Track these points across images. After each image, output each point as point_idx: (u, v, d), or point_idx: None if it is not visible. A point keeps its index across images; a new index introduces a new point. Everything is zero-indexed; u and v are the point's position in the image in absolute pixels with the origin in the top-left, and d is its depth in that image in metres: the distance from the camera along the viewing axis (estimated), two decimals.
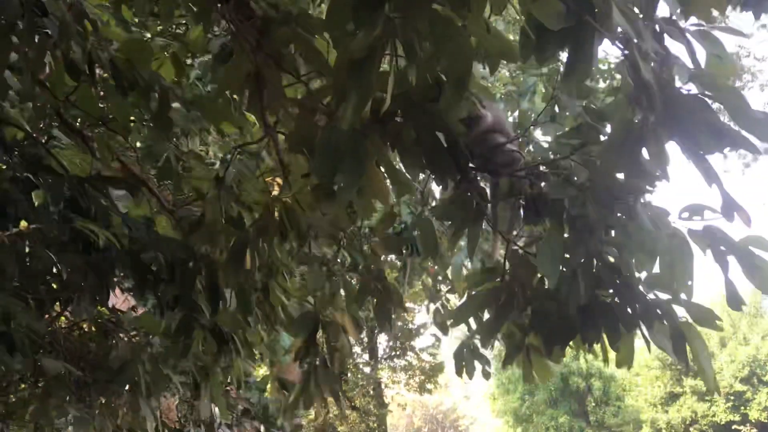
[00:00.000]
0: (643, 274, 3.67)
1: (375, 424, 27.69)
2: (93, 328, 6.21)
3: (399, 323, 26.48)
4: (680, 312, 3.71)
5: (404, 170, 3.70)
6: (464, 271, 9.36)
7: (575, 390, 43.36)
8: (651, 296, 3.70)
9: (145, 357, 5.62)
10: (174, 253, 4.74)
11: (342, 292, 4.74)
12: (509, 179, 3.90)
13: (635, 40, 2.89)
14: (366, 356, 28.69)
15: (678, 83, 2.97)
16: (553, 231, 3.68)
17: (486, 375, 7.81)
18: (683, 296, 3.67)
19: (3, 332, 4.64)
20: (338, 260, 4.97)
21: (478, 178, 3.94)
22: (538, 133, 6.25)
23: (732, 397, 42.25)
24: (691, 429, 43.06)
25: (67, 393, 5.52)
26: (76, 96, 4.81)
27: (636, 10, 3.04)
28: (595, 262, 3.66)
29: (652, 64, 2.91)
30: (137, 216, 5.05)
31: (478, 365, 6.22)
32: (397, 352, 29.72)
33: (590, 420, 44.14)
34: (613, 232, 3.68)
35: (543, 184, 3.79)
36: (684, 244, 3.50)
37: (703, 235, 3.49)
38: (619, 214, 3.57)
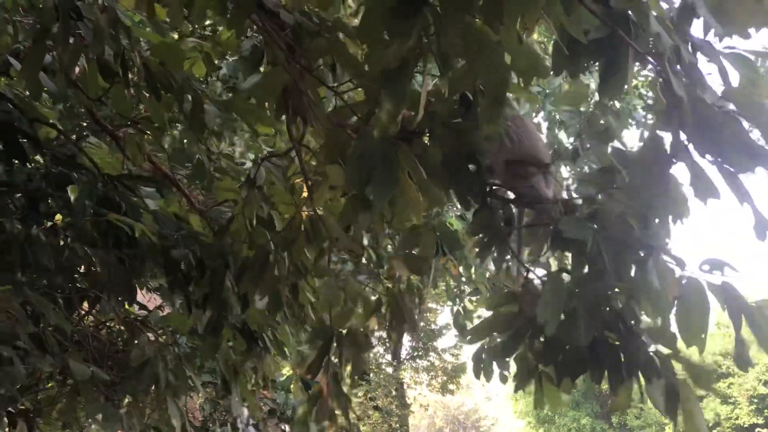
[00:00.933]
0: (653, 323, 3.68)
1: (397, 425, 27.72)
2: (121, 327, 6.24)
3: (422, 324, 26.51)
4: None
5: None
6: (487, 275, 9.39)
7: (597, 392, 43.23)
8: (652, 348, 3.71)
9: (168, 356, 5.64)
10: (204, 251, 4.76)
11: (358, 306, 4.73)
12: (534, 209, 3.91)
13: (669, 56, 2.89)
14: (389, 356, 28.71)
15: (710, 101, 2.96)
16: (555, 276, 3.68)
17: (503, 379, 7.82)
18: (687, 351, 3.67)
19: (33, 333, 4.69)
20: (358, 274, 4.96)
21: (502, 202, 3.94)
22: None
23: (756, 400, 42.08)
24: (715, 431, 42.89)
25: (94, 392, 5.55)
26: (109, 97, 4.84)
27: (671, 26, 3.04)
28: (602, 306, 3.66)
29: (685, 80, 2.91)
30: (168, 214, 5.10)
31: (496, 368, 6.22)
32: (420, 353, 29.74)
33: (612, 422, 44.05)
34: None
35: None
36: (702, 296, 3.43)
37: (721, 290, 3.42)
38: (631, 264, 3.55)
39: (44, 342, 4.86)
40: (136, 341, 5.84)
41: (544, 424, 45.74)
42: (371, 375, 23.15)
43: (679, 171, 3.22)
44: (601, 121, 4.05)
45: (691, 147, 2.99)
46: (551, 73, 3.34)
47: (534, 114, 9.55)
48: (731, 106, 2.93)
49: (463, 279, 10.34)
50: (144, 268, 4.86)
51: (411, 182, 3.47)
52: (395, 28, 2.96)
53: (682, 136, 2.95)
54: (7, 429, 5.72)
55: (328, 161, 3.76)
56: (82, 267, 5.31)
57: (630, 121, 8.56)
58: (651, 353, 3.68)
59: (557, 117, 8.63)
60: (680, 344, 3.58)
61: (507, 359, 5.15)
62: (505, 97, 3.32)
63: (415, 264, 4.45)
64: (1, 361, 4.47)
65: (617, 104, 7.82)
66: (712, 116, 2.91)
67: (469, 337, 4.12)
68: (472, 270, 9.30)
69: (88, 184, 4.42)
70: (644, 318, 3.77)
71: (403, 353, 29.42)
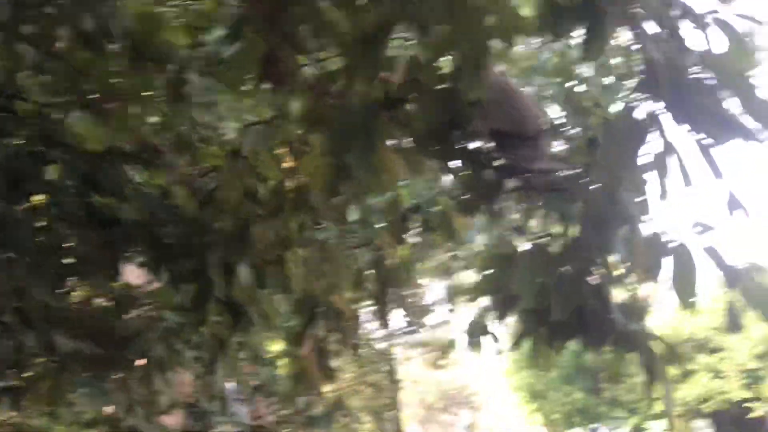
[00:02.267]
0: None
1: (388, 400, 27.72)
2: (108, 303, 6.18)
3: (412, 300, 26.49)
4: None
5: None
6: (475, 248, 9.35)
7: (589, 367, 43.32)
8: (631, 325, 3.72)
9: (157, 330, 5.59)
10: (189, 227, 4.70)
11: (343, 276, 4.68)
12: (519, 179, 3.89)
13: (648, 21, 2.84)
14: (380, 332, 28.68)
15: (689, 68, 2.92)
16: (533, 248, 3.67)
17: (497, 351, 7.78)
18: (649, 327, 3.78)
19: (17, 307, 4.63)
20: (344, 243, 4.89)
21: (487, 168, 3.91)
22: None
23: (746, 375, 42.20)
24: (704, 406, 43.04)
25: (81, 368, 5.50)
26: (92, 69, 4.77)
27: None
28: (583, 278, 3.67)
29: (664, 47, 2.86)
30: (154, 187, 5.04)
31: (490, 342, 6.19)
32: (411, 329, 29.70)
33: (604, 396, 44.16)
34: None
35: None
36: (689, 260, 3.45)
37: (711, 254, 3.47)
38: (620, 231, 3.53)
39: (28, 317, 4.81)
40: (123, 316, 5.80)
41: (537, 399, 45.85)
42: (362, 350, 23.11)
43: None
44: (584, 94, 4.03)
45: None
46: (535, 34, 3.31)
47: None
48: (711, 75, 2.89)
49: (452, 254, 10.31)
50: (128, 246, 4.80)
51: (390, 149, 3.41)
52: None
53: (659, 105, 2.91)
54: None
55: (310, 130, 3.72)
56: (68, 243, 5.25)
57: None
58: (629, 327, 3.69)
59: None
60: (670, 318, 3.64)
61: (499, 333, 5.15)
62: (486, 61, 3.29)
63: (398, 232, 4.42)
64: None
65: (605, 81, 7.80)
66: (689, 84, 2.86)
67: (467, 298, 4.11)
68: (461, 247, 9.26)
69: (69, 161, 4.36)
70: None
71: (394, 328, 29.40)
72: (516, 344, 4.04)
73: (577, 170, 3.73)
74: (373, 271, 4.56)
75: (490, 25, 3.18)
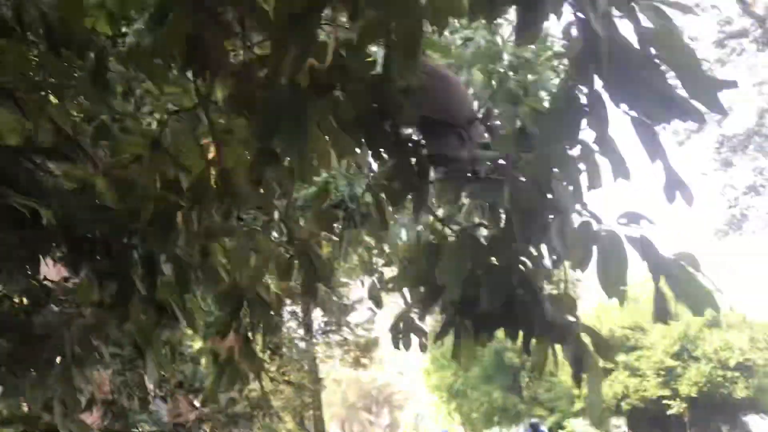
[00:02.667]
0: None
1: (310, 399, 27.66)
2: (24, 300, 6.03)
3: (334, 298, 26.49)
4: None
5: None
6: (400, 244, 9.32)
7: (509, 365, 43.66)
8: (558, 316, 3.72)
9: (75, 327, 5.45)
10: (108, 223, 4.56)
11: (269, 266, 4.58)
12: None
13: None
14: (301, 331, 28.61)
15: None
16: (458, 238, 3.65)
17: (423, 347, 7.76)
18: (579, 318, 3.76)
19: None
20: (271, 233, 4.80)
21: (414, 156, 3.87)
22: None
23: (663, 373, 42.87)
24: (622, 403, 43.58)
25: None
26: (8, 56, 4.62)
27: None
28: (511, 269, 3.66)
29: (607, 21, 2.81)
30: (73, 178, 4.86)
31: (414, 338, 6.16)
32: (333, 328, 29.69)
33: (524, 395, 44.54)
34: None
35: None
36: (620, 247, 3.45)
37: (639, 243, 3.45)
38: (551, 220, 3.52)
39: None
40: (41, 312, 5.66)
41: (456, 398, 46.10)
42: (284, 349, 23.00)
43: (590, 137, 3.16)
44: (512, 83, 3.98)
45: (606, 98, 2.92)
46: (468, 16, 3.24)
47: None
48: (648, 48, 2.83)
49: (375, 251, 10.25)
50: (46, 243, 4.66)
51: (320, 133, 3.32)
52: None
53: (597, 83, 2.86)
54: None
55: (234, 114, 3.63)
56: None
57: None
58: (558, 319, 3.67)
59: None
60: (588, 316, 3.62)
61: (424, 328, 5.11)
62: (419, 46, 3.24)
63: (326, 221, 4.34)
64: None
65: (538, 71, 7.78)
66: (629, 59, 2.78)
67: (391, 286, 4.05)
68: (385, 246, 9.21)
69: None
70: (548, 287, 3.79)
71: (316, 328, 29.35)
72: (440, 336, 4.00)
73: (507, 159, 3.67)
74: (298, 262, 4.46)
75: (423, 7, 3.12)
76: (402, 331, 5.70)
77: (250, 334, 4.61)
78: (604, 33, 2.70)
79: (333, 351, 30.56)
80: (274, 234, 4.88)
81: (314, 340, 28.99)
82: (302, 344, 28.18)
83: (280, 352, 21.27)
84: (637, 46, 2.79)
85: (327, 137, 3.44)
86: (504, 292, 3.58)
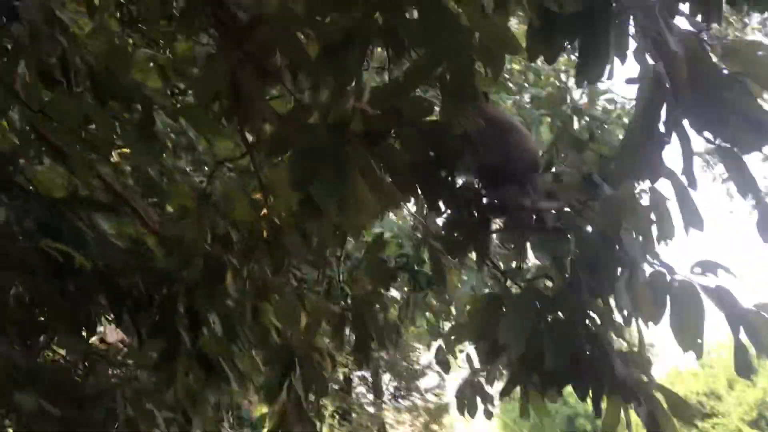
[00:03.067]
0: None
1: None
2: (78, 361, 5.89)
3: (404, 363, 26.37)
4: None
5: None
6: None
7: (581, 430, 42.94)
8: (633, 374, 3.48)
9: (127, 390, 5.27)
10: (153, 276, 4.38)
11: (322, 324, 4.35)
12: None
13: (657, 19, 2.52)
14: (371, 396, 28.40)
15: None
16: (520, 297, 3.41)
17: (488, 414, 7.50)
18: (653, 377, 3.54)
19: None
20: (320, 289, 4.57)
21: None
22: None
23: None
24: None
25: (47, 428, 5.20)
26: (54, 108, 4.50)
27: None
28: (577, 326, 3.43)
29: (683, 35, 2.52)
30: (125, 236, 4.74)
31: (480, 404, 5.93)
32: (402, 393, 29.42)
33: None
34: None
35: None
36: (696, 298, 3.19)
37: (716, 293, 3.20)
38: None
39: None
40: (93, 375, 5.51)
41: None
42: (353, 415, 22.80)
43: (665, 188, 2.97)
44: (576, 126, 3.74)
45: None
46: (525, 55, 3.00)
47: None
48: (732, 66, 2.53)
49: (443, 315, 10.05)
50: (89, 298, 4.50)
51: (362, 181, 3.02)
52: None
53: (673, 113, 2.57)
54: None
55: (274, 158, 3.41)
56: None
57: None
58: (629, 377, 3.45)
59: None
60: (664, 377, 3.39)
61: (491, 393, 4.86)
62: (471, 85, 3.03)
63: (381, 274, 4.12)
64: None
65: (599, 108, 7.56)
66: (710, 78, 2.48)
67: (452, 338, 3.84)
68: (452, 307, 9.01)
69: (21, 206, 4.09)
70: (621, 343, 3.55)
71: (385, 393, 29.12)
72: (505, 393, 3.76)
73: (572, 209, 3.49)
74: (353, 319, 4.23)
75: (473, 44, 2.90)
76: (468, 396, 5.46)
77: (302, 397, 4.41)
78: (681, 51, 2.41)
79: (402, 416, 30.25)
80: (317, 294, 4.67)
81: (384, 405, 28.76)
82: (371, 409, 27.95)
83: (350, 418, 21.09)
84: (718, 62, 2.50)
85: (374, 187, 3.14)
86: (570, 348, 3.33)
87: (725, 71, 2.52)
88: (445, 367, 8.22)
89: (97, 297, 4.49)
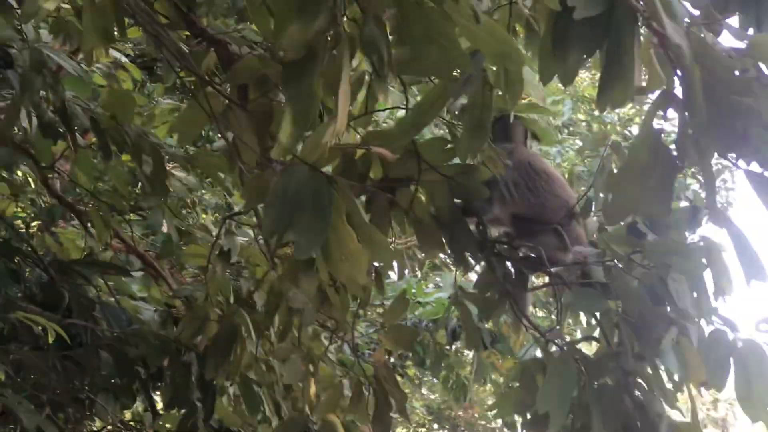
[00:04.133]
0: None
1: None
2: None
3: (482, 422, 25.86)
4: None
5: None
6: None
7: None
8: None
9: None
10: (162, 345, 4.06)
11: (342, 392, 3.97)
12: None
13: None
14: None
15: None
16: (560, 361, 2.99)
17: None
18: None
19: None
20: (330, 352, 4.19)
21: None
22: None
23: None
24: None
25: None
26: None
27: None
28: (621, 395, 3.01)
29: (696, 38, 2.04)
30: (156, 301, 4.63)
31: None
32: None
33: None
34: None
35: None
36: (763, 359, 2.86)
37: None
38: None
39: None
40: None
41: None
42: None
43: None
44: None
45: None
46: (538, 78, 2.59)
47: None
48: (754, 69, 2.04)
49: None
50: (97, 371, 4.21)
51: (349, 228, 2.51)
52: (302, 7, 2.12)
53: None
54: None
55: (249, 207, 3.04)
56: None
57: None
58: None
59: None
60: None
61: None
62: (489, 118, 2.66)
63: (404, 336, 3.74)
64: None
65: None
66: (728, 84, 1.98)
67: (494, 412, 3.48)
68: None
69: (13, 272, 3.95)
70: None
71: None
72: None
73: (615, 260, 3.11)
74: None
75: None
76: None
77: None
78: (691, 50, 1.94)
79: None
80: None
81: None
82: None
83: None
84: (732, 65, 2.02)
85: (358, 234, 2.64)
86: (619, 419, 2.90)
87: (737, 72, 2.02)
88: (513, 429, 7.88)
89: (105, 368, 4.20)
